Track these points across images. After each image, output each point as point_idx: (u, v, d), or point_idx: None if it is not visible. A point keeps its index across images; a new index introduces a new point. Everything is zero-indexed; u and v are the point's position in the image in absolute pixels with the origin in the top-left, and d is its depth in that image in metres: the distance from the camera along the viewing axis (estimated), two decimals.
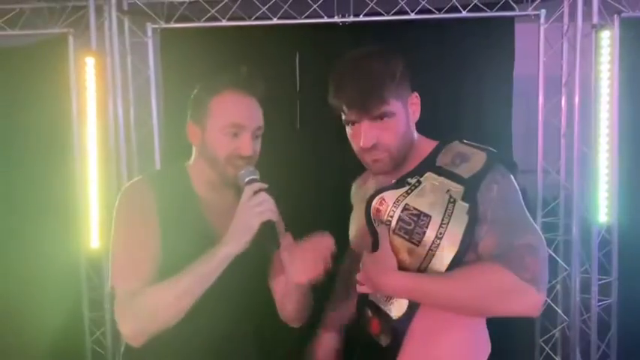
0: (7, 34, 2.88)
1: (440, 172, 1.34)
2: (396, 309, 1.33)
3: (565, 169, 2.86)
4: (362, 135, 1.34)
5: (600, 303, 2.83)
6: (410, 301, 1.31)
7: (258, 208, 1.27)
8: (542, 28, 2.76)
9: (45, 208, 2.93)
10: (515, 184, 1.33)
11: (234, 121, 1.36)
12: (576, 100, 2.77)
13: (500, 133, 2.77)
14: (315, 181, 2.84)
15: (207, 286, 1.27)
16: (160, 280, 1.30)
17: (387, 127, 1.34)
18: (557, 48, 2.81)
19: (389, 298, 1.35)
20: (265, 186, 1.33)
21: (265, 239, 1.30)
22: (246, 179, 1.35)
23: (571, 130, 2.81)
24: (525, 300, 1.22)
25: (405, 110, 1.37)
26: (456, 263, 1.25)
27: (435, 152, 1.40)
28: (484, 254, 1.26)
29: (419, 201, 1.30)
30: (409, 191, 1.33)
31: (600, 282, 2.81)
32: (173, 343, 1.33)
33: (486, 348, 1.40)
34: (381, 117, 1.33)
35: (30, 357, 2.86)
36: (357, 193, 1.62)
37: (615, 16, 2.70)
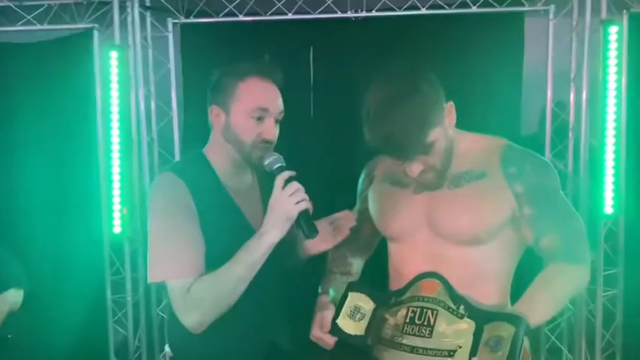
0: (36, 28, 3.01)
1: None
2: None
3: (572, 162, 2.93)
4: (408, 168, 1.36)
5: (606, 293, 2.89)
6: None
7: (295, 198, 1.32)
8: (551, 24, 2.82)
9: (70, 197, 3.06)
10: (552, 174, 1.41)
11: (260, 105, 1.41)
12: (584, 94, 2.83)
13: (509, 127, 2.83)
14: (328, 170, 2.93)
15: (256, 271, 1.36)
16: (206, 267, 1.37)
17: (431, 154, 1.35)
18: (566, 43, 2.87)
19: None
20: (294, 173, 1.37)
21: (303, 227, 1.34)
22: (275, 167, 1.39)
23: (579, 124, 2.87)
24: (586, 279, 1.42)
25: (443, 128, 1.35)
26: None
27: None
28: (548, 252, 1.38)
29: None
30: None
31: (606, 273, 2.87)
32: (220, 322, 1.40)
33: None
34: (425, 154, 1.34)
35: (55, 336, 2.99)
36: (368, 177, 1.64)
37: (624, 11, 2.74)
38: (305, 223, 1.34)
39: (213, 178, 1.47)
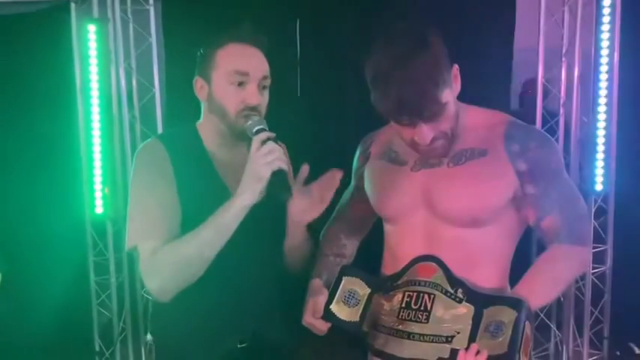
0: (10, 0, 2.89)
1: None
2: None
3: (563, 138, 2.90)
4: (419, 134, 1.28)
5: (594, 270, 2.89)
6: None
7: (267, 157, 1.27)
8: None
9: (50, 176, 2.98)
10: (556, 152, 1.35)
11: (238, 68, 1.36)
12: (576, 70, 2.79)
13: (499, 103, 2.79)
14: (316, 149, 2.87)
15: (227, 237, 1.29)
16: (180, 236, 1.33)
17: (443, 118, 1.27)
18: (558, 16, 2.81)
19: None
20: (273, 135, 1.31)
21: (276, 188, 1.29)
22: (254, 129, 1.33)
23: (570, 100, 2.83)
24: (588, 262, 1.35)
25: (452, 90, 1.28)
26: None
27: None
28: (550, 232, 1.32)
29: None
30: None
31: (595, 250, 2.86)
32: (197, 298, 1.35)
33: None
34: (438, 116, 1.26)
35: (38, 319, 2.94)
36: (364, 154, 1.56)
37: None
38: (277, 183, 1.28)
39: (200, 150, 1.43)
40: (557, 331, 3.00)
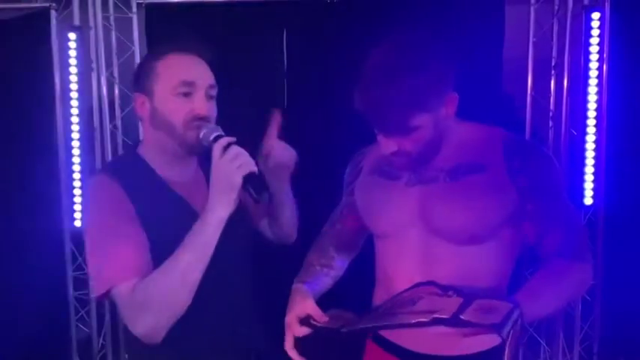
0: None
1: None
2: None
3: (552, 151, 2.87)
4: (380, 142, 1.26)
5: None
6: None
7: (236, 162, 1.20)
8: (532, 9, 2.75)
9: (28, 188, 2.89)
10: (557, 169, 1.30)
11: (183, 78, 1.28)
12: (565, 82, 2.77)
13: (488, 114, 2.76)
14: (303, 161, 2.81)
15: (209, 256, 1.22)
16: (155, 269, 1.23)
17: (410, 138, 1.24)
18: (548, 28, 2.80)
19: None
20: (233, 139, 1.25)
21: (252, 193, 1.23)
22: (211, 137, 1.26)
23: (559, 113, 2.81)
24: (589, 280, 1.31)
25: (434, 117, 1.23)
26: None
27: None
28: (550, 249, 1.28)
29: None
30: None
31: None
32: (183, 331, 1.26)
33: None
34: (401, 135, 1.24)
35: (14, 335, 2.84)
36: (356, 168, 1.52)
37: None
38: (253, 186, 1.22)
39: (150, 173, 1.34)
40: (546, 347, 2.96)
